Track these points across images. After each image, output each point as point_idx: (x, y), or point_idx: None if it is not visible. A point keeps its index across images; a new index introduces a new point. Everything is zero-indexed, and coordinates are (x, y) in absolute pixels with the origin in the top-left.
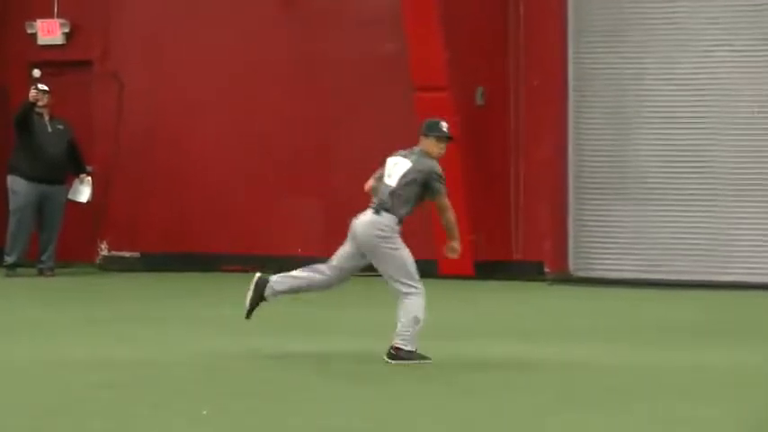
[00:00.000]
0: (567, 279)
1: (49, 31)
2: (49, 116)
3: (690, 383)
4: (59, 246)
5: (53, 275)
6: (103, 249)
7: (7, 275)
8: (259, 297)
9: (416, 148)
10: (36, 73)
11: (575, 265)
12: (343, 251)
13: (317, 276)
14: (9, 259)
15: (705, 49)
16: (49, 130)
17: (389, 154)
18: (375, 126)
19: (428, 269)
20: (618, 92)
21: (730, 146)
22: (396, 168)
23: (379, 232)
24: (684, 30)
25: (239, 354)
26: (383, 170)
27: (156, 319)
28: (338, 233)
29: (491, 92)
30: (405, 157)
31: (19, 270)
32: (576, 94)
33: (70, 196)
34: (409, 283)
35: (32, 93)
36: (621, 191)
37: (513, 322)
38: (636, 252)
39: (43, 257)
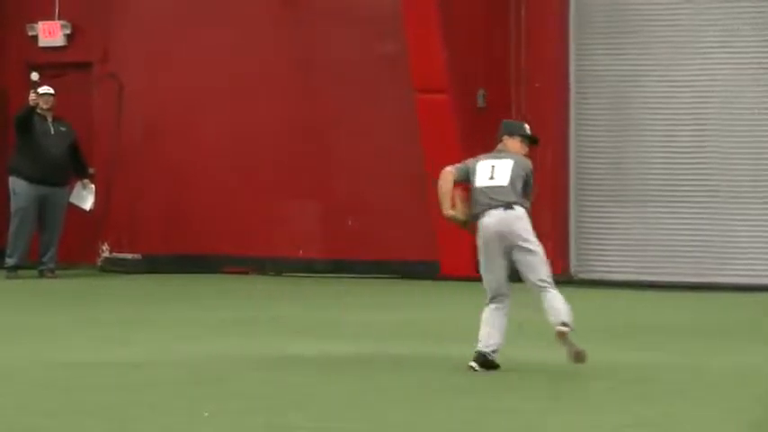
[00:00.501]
0: (568, 281)
1: (50, 33)
2: (53, 118)
3: (689, 384)
4: (60, 247)
5: (54, 277)
6: (104, 251)
7: (8, 277)
8: (492, 365)
9: (501, 150)
10: (34, 76)
11: (576, 267)
12: (494, 268)
13: (501, 310)
14: (10, 261)
15: (706, 51)
16: (52, 131)
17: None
18: (375, 127)
19: (429, 270)
20: (619, 94)
21: (731, 148)
22: (498, 169)
23: (525, 225)
24: (686, 32)
25: (240, 355)
26: (466, 173)
27: (156, 320)
28: (339, 234)
29: (492, 94)
30: (499, 158)
31: (20, 272)
32: (577, 96)
33: (73, 200)
34: (550, 277)
35: (32, 96)
36: (622, 193)
37: (514, 323)
38: (637, 254)
39: (44, 259)
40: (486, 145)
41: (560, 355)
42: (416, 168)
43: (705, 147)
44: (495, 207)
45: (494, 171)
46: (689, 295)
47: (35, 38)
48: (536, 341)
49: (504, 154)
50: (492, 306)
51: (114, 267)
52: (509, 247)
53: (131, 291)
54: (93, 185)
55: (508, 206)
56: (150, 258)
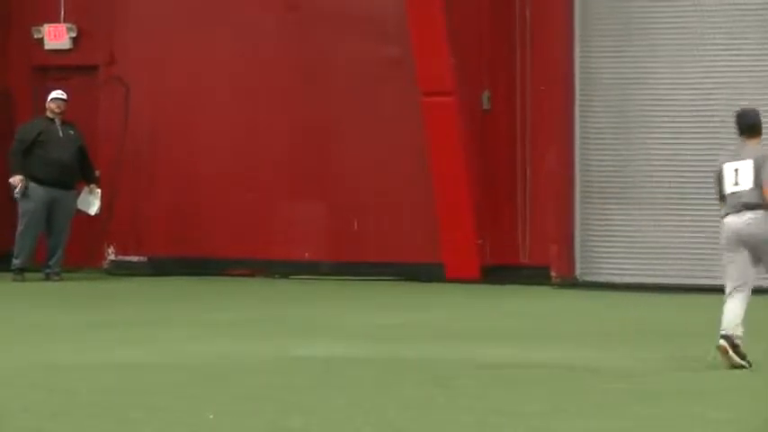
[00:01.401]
0: (573, 283)
1: (56, 36)
2: (61, 121)
3: (692, 385)
4: (66, 251)
5: (60, 280)
6: (110, 254)
7: (14, 279)
8: (737, 350)
9: (745, 146)
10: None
11: (581, 270)
12: (738, 264)
13: (744, 299)
14: (16, 262)
15: (711, 53)
16: (61, 134)
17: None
18: (380, 129)
19: (435, 273)
20: (624, 97)
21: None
22: (741, 173)
23: (761, 225)
24: (691, 35)
25: (245, 357)
26: (719, 183)
27: (161, 322)
28: (345, 237)
29: (497, 96)
30: (740, 158)
31: (26, 274)
32: (582, 98)
33: (79, 206)
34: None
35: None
36: (627, 195)
37: (520, 326)
38: (642, 256)
39: (51, 262)
40: (490, 147)
41: (566, 358)
42: (421, 170)
43: (710, 149)
44: (736, 211)
45: (737, 176)
46: (694, 297)
47: (41, 41)
48: (542, 344)
49: (747, 151)
50: (732, 295)
51: (120, 270)
52: (750, 247)
53: (137, 293)
54: (99, 190)
55: (747, 208)
56: (156, 261)
